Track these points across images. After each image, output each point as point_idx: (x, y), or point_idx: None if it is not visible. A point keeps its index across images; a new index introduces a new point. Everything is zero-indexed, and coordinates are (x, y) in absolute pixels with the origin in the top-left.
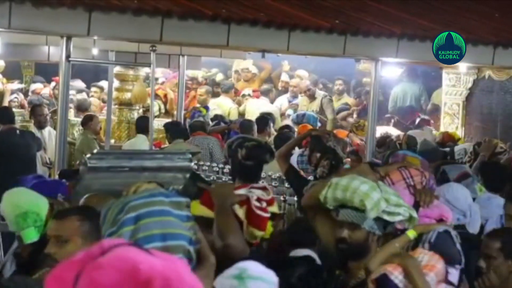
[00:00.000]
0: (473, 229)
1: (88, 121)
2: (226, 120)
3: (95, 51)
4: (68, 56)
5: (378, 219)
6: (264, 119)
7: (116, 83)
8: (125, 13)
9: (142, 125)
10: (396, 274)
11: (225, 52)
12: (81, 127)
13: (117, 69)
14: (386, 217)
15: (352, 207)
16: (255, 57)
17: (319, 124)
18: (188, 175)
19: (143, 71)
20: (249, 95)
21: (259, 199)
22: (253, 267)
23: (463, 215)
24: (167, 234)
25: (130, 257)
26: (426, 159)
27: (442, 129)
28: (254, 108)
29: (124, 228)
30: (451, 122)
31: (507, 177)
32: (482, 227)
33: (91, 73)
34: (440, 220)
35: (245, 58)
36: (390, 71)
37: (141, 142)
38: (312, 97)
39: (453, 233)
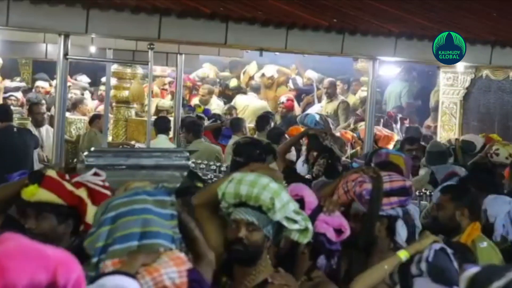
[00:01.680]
0: None
1: (95, 119)
2: (222, 119)
3: (93, 49)
4: (65, 54)
5: (274, 224)
6: (265, 117)
7: (113, 81)
8: (123, 11)
9: (162, 126)
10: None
11: (223, 50)
12: (79, 125)
13: (114, 67)
14: (285, 223)
15: (254, 206)
16: (253, 55)
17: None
18: (185, 174)
19: (144, 69)
20: (282, 102)
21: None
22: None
23: None
24: (146, 232)
25: None
26: (433, 160)
27: (439, 128)
28: (243, 104)
29: (102, 228)
30: (448, 121)
31: None
32: (492, 224)
33: (88, 71)
34: (339, 231)
35: (242, 57)
36: (388, 70)
37: (163, 143)
38: (330, 98)
39: (449, 251)
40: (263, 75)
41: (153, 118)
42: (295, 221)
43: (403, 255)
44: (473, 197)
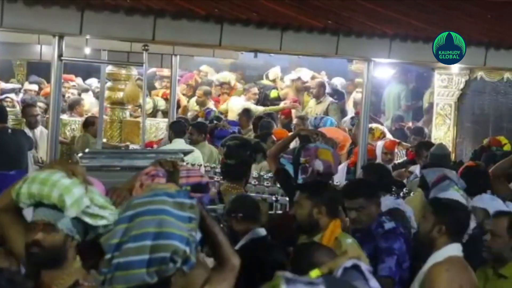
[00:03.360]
0: None
1: (90, 124)
2: (221, 120)
3: (87, 50)
4: (60, 55)
5: (79, 221)
6: (262, 118)
7: (108, 83)
8: (117, 12)
9: (179, 129)
10: None
11: (217, 51)
12: (74, 127)
13: (109, 68)
14: (87, 220)
15: (50, 205)
16: (247, 56)
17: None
18: None
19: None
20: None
21: None
22: None
23: None
24: (161, 233)
25: None
26: (435, 163)
27: (433, 129)
28: (236, 105)
29: (119, 225)
30: (443, 123)
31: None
32: None
33: (83, 72)
34: None
35: (237, 58)
36: (383, 71)
37: (180, 147)
38: (318, 99)
39: (365, 267)
40: (299, 78)
41: (149, 120)
42: (102, 217)
43: (314, 274)
44: (331, 194)
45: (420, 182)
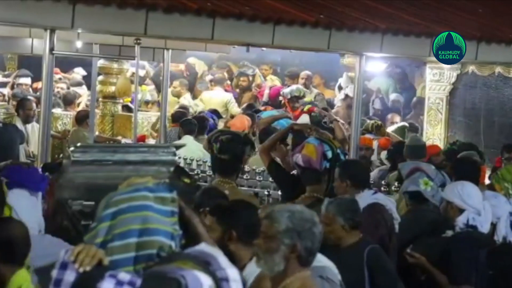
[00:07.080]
0: (485, 228)
1: (84, 118)
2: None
3: (79, 44)
4: (51, 49)
5: None
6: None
7: (100, 76)
8: (109, 5)
9: (189, 127)
10: None
11: (209, 45)
12: (65, 120)
13: (101, 62)
14: None
15: None
16: (240, 51)
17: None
18: (172, 169)
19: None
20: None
21: None
22: None
23: (478, 214)
24: (145, 229)
25: None
26: (412, 155)
27: (425, 124)
28: (208, 98)
29: (102, 224)
30: (434, 117)
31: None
32: (493, 225)
33: (75, 66)
34: None
35: (229, 52)
36: (375, 66)
37: (190, 144)
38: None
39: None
40: (347, 96)
41: (141, 113)
42: None
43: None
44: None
45: (397, 175)
